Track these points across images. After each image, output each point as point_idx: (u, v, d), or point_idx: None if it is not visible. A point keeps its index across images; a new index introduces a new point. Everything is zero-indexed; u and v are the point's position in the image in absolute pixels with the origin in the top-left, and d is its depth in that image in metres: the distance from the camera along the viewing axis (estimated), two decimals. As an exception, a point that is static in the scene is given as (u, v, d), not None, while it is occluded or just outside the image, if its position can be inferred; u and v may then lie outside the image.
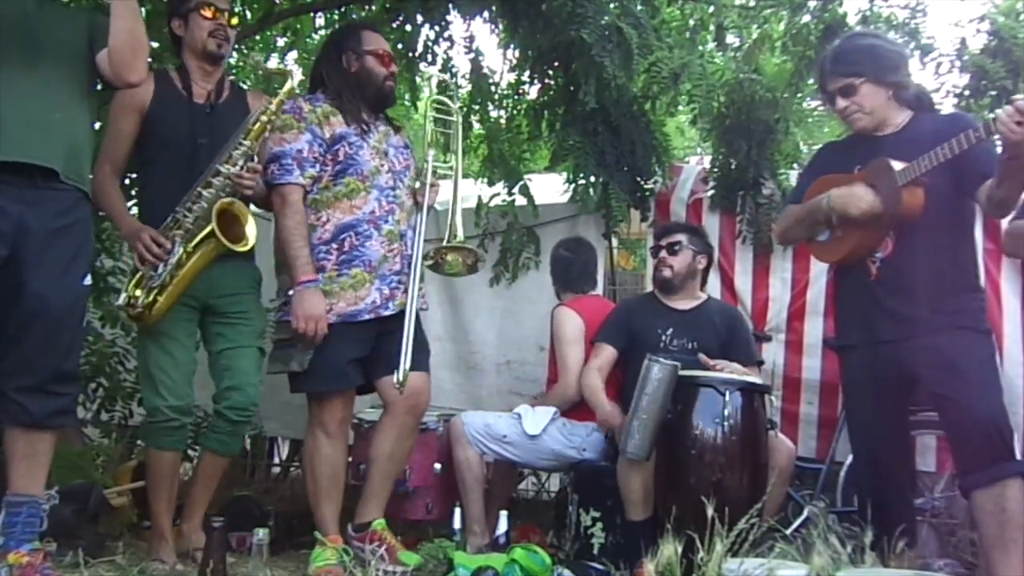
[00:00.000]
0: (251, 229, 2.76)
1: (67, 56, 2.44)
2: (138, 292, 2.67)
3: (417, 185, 2.98)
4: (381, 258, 2.84)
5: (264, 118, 2.73)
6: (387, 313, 2.84)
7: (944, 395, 2.61)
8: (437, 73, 4.06)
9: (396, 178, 2.92)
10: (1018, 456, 3.25)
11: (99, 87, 2.59)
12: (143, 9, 2.52)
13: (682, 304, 3.45)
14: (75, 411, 2.76)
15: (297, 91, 2.84)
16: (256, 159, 2.77)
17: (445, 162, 3.06)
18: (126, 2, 2.38)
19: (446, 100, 3.18)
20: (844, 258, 2.79)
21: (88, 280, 2.50)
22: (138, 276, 2.69)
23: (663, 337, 3.35)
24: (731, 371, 3.07)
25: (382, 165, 2.90)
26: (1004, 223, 2.92)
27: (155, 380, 2.78)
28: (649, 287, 3.79)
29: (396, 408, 2.90)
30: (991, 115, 2.42)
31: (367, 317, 2.81)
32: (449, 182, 3.03)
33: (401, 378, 2.73)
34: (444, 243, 2.92)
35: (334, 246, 2.82)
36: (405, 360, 2.73)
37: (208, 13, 2.84)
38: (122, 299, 2.70)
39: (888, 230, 2.68)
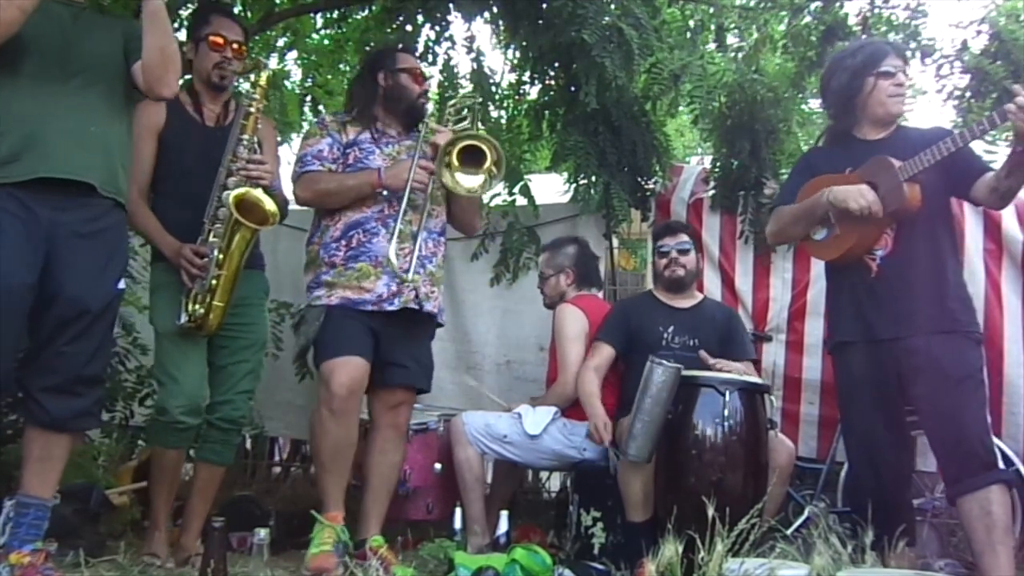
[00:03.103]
0: (271, 206, 2.77)
1: (103, 69, 2.45)
2: (195, 307, 2.74)
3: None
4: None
5: (253, 108, 2.81)
6: (390, 308, 2.88)
7: (931, 400, 2.63)
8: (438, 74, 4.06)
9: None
10: (1017, 458, 3.28)
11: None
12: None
13: (683, 303, 3.47)
14: (98, 415, 2.76)
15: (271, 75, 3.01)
16: (259, 151, 2.84)
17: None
18: (156, 20, 2.41)
19: (460, 107, 3.22)
20: (843, 255, 2.79)
21: (122, 284, 2.51)
22: (192, 294, 2.75)
23: (664, 335, 3.35)
24: (731, 370, 3.07)
25: None
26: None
27: (171, 379, 2.81)
28: (650, 287, 3.79)
29: (378, 423, 2.99)
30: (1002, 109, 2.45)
31: (370, 308, 2.87)
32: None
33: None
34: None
35: (343, 243, 2.93)
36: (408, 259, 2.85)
37: (217, 42, 2.90)
38: (183, 319, 2.75)
39: (887, 226, 2.70)
